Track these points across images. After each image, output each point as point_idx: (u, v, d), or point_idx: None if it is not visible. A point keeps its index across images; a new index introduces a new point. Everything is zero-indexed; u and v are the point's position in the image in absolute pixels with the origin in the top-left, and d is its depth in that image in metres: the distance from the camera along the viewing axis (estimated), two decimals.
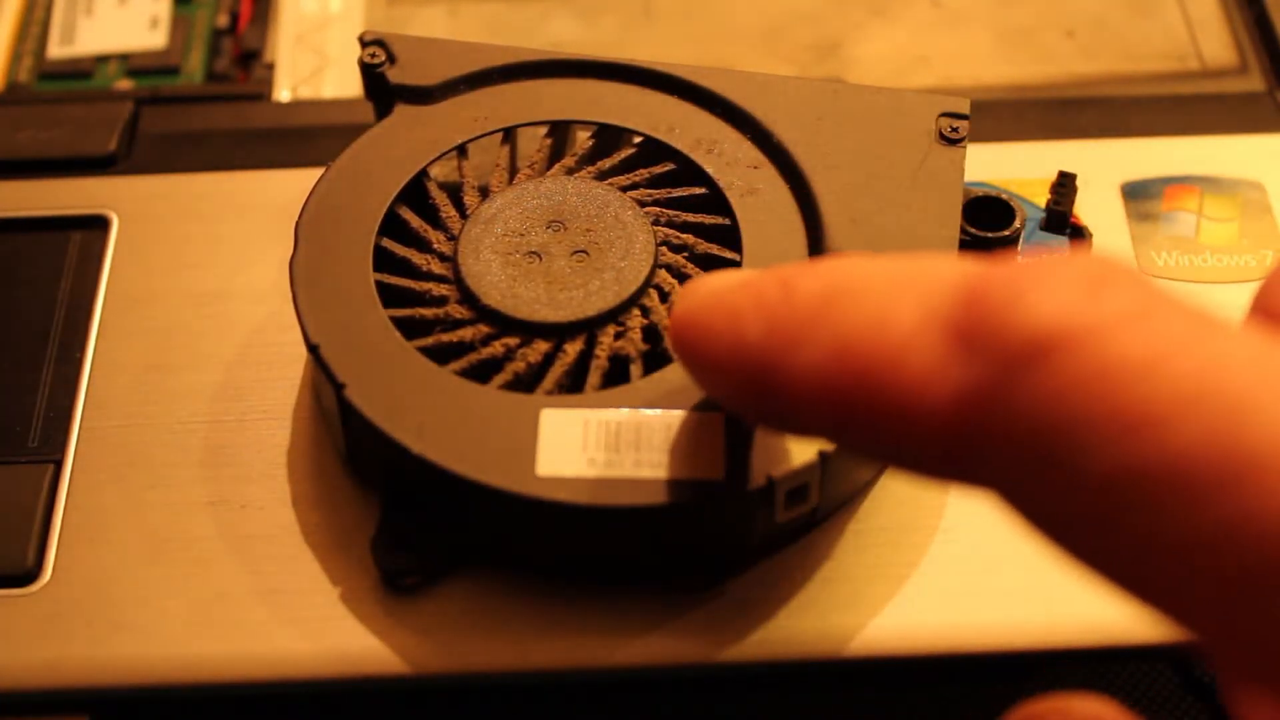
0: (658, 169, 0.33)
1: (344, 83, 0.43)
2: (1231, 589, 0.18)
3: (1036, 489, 0.20)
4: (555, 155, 0.34)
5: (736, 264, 0.31)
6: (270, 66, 0.43)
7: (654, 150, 0.34)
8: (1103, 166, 0.37)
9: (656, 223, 0.32)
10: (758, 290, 0.23)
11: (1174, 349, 0.19)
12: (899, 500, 0.32)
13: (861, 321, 0.21)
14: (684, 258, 0.32)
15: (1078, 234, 0.35)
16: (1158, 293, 0.20)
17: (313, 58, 0.43)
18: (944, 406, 0.20)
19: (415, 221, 0.33)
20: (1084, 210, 0.35)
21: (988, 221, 0.33)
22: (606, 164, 0.34)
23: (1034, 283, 0.20)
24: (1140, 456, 0.18)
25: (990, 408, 0.20)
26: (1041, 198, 0.36)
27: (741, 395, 0.24)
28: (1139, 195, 0.37)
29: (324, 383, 0.30)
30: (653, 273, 0.31)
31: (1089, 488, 0.19)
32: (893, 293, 0.21)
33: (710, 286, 0.24)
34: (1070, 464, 0.19)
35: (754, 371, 0.23)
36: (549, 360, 0.30)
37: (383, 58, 0.35)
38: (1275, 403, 0.18)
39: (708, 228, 0.32)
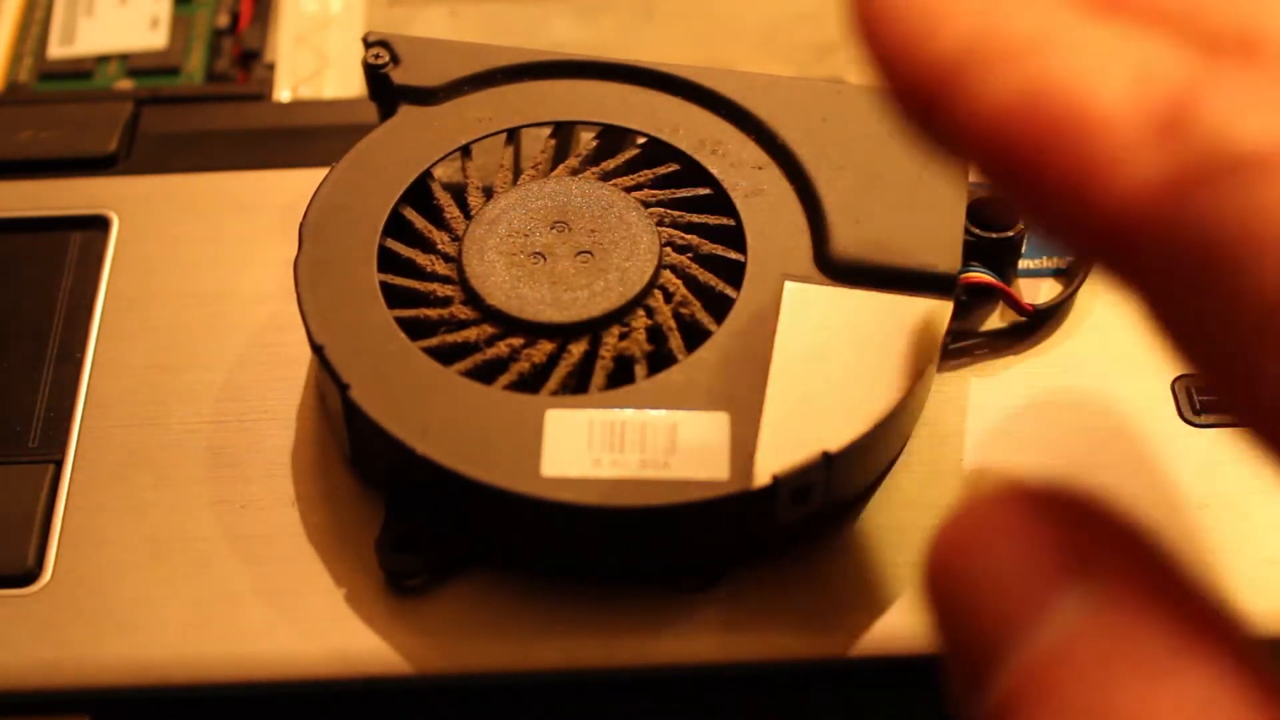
0: (662, 170, 0.33)
1: (344, 83, 0.43)
2: None
3: (1187, 304, 0.18)
4: (559, 156, 0.35)
5: (741, 265, 0.31)
6: (270, 66, 0.43)
7: (658, 151, 0.34)
8: None
9: (661, 223, 0.32)
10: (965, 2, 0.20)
11: None
12: (903, 500, 0.32)
13: (1070, 72, 0.19)
14: (688, 258, 0.32)
15: None
16: None
17: (313, 58, 0.43)
18: (1125, 191, 0.19)
19: (419, 222, 0.33)
20: None
21: (992, 222, 0.33)
22: (610, 164, 0.34)
23: (1258, 94, 0.18)
24: None
25: (1171, 208, 0.18)
26: None
27: (909, 96, 0.21)
28: None
29: (329, 383, 0.30)
30: (657, 273, 0.31)
31: (1246, 318, 0.18)
32: (1113, 59, 0.19)
33: None
34: (1232, 290, 0.18)
35: (932, 81, 0.20)
36: (553, 361, 0.30)
37: (387, 58, 0.35)
38: None
39: (712, 228, 0.32)
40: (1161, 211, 0.19)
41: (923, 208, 0.32)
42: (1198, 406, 0.33)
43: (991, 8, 0.20)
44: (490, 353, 0.30)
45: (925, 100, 0.20)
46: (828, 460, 0.29)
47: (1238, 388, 0.19)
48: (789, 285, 0.31)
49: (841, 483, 0.30)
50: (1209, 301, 0.18)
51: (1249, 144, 0.18)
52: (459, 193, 0.33)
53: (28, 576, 0.31)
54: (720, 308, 0.31)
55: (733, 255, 0.32)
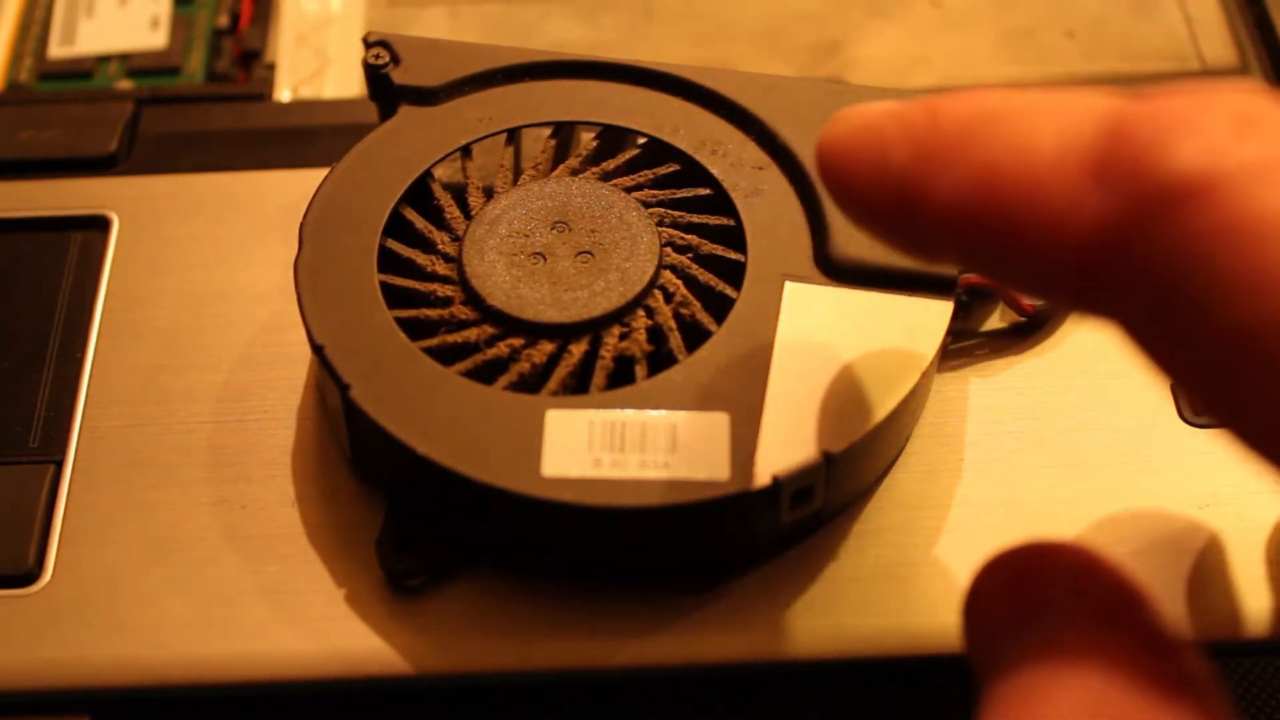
0: (662, 170, 0.33)
1: (344, 83, 0.43)
2: None
3: (1159, 329, 0.20)
4: (559, 156, 0.35)
5: (741, 265, 0.32)
6: (271, 66, 0.43)
7: (658, 151, 0.34)
8: None
9: (661, 224, 0.32)
10: (904, 116, 0.23)
11: None
12: (904, 501, 0.32)
13: (1004, 148, 0.21)
14: (688, 258, 0.32)
15: None
16: None
17: (313, 58, 0.43)
18: (1080, 239, 0.20)
19: (420, 222, 0.33)
20: None
21: None
22: (611, 165, 0.34)
23: (1179, 121, 0.20)
24: (1264, 315, 0.18)
25: (1124, 246, 0.20)
26: None
27: (884, 219, 0.24)
28: None
29: (329, 384, 0.30)
30: (657, 274, 0.31)
31: (1213, 336, 0.19)
32: (1037, 120, 0.21)
33: (858, 112, 0.24)
34: (1197, 312, 0.19)
35: (897, 195, 0.23)
36: (554, 361, 0.30)
37: (387, 59, 0.35)
38: None
39: (712, 228, 0.32)
40: (1114, 249, 0.20)
41: None
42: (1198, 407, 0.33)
43: (925, 120, 0.22)
44: (490, 353, 0.30)
45: (896, 216, 0.23)
46: (828, 461, 0.29)
47: (1220, 404, 0.20)
48: (789, 285, 0.31)
49: (842, 483, 0.30)
50: (1179, 325, 0.20)
51: (1179, 173, 0.19)
52: (459, 193, 0.33)
53: (28, 576, 0.31)
54: (720, 308, 0.31)
55: (733, 255, 0.32)
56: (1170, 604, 0.30)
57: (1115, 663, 0.21)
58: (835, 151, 0.24)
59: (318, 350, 0.30)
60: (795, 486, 0.29)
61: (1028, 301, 0.34)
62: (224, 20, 0.44)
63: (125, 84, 0.43)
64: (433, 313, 0.31)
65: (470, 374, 0.30)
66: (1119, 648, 0.21)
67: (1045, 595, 0.23)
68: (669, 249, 0.32)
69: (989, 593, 0.24)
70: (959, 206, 0.22)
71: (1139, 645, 0.22)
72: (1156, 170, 0.19)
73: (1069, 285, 0.21)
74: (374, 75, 0.35)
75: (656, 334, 0.31)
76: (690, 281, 0.32)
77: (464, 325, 0.31)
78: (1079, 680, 0.21)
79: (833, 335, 0.30)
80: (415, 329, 0.31)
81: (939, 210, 0.22)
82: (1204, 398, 0.20)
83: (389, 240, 0.32)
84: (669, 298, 0.31)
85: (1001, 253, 0.22)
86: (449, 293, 0.31)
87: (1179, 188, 0.19)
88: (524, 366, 0.30)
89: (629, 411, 0.29)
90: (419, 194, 0.33)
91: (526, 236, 0.32)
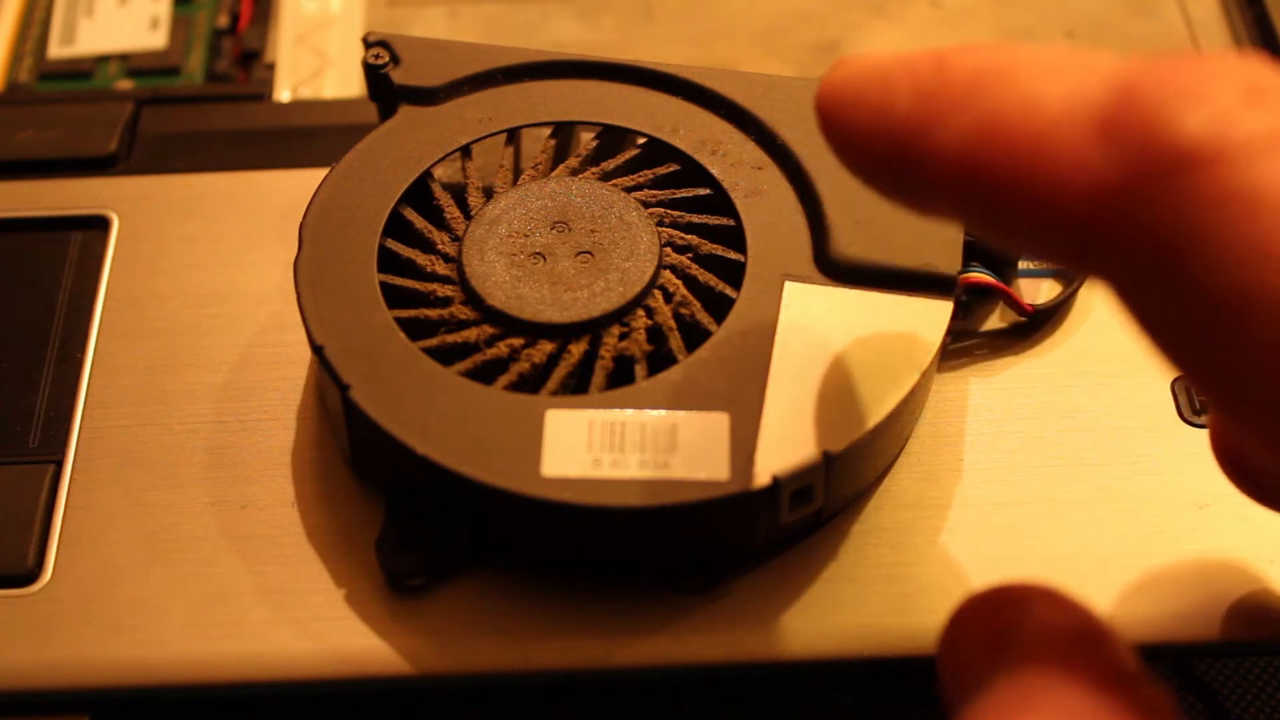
0: (662, 170, 0.33)
1: (344, 83, 0.43)
2: None
3: (1153, 292, 0.20)
4: (559, 156, 0.35)
5: (741, 265, 0.32)
6: (270, 67, 0.43)
7: (658, 151, 0.34)
8: None
9: (661, 224, 0.32)
10: (910, 64, 0.23)
11: None
12: (904, 501, 0.32)
13: (1011, 101, 0.21)
14: (688, 258, 0.32)
15: None
16: None
17: (313, 58, 0.43)
18: (1081, 197, 0.20)
19: (419, 222, 0.33)
20: None
21: None
22: (610, 165, 0.34)
23: (1190, 87, 0.20)
24: (1261, 286, 0.19)
25: (1125, 206, 0.20)
26: None
27: (881, 167, 0.23)
28: None
29: (328, 384, 0.30)
30: (657, 274, 0.31)
31: (1206, 302, 0.19)
32: (1046, 75, 0.21)
33: (862, 59, 0.24)
34: (1193, 277, 0.19)
35: (898, 142, 0.22)
36: (554, 361, 0.30)
37: (387, 59, 0.35)
38: None
39: (712, 228, 0.32)
40: (1115, 209, 0.20)
41: None
42: (1198, 406, 0.33)
43: (933, 68, 0.22)
44: (490, 353, 0.30)
45: (895, 164, 0.23)
46: (828, 460, 0.29)
47: (1205, 372, 0.20)
48: (789, 285, 0.31)
49: (842, 483, 0.30)
50: (1174, 289, 0.20)
51: (1186, 139, 0.19)
52: (459, 193, 0.33)
53: (28, 576, 0.31)
54: (720, 308, 0.31)
55: (733, 255, 0.32)
56: (1170, 604, 0.30)
57: (1080, 690, 0.22)
58: (837, 95, 0.24)
59: (318, 350, 0.30)
60: (795, 486, 0.29)
61: (1027, 301, 0.34)
62: (224, 20, 0.44)
63: (125, 84, 0.43)
64: (433, 313, 0.31)
65: (470, 374, 0.30)
66: (1084, 677, 0.22)
67: (1016, 630, 0.23)
68: (669, 249, 0.32)
69: (964, 629, 0.24)
70: (961, 156, 0.21)
71: (1104, 675, 0.22)
72: (1164, 134, 0.20)
73: (1066, 243, 0.21)
74: (374, 75, 0.35)
75: (656, 334, 0.31)
76: (690, 281, 0.32)
77: (464, 325, 0.31)
78: (1046, 704, 0.22)
79: (833, 335, 0.30)
80: (415, 329, 0.31)
81: (940, 159, 0.22)
82: (1189, 365, 0.20)
83: (389, 240, 0.32)
84: (669, 298, 0.31)
85: (1000, 207, 0.21)
86: (449, 293, 0.31)
87: (1186, 153, 0.19)
88: (524, 366, 0.30)
89: (629, 411, 0.29)
90: (419, 194, 0.33)
91: (526, 236, 0.32)
